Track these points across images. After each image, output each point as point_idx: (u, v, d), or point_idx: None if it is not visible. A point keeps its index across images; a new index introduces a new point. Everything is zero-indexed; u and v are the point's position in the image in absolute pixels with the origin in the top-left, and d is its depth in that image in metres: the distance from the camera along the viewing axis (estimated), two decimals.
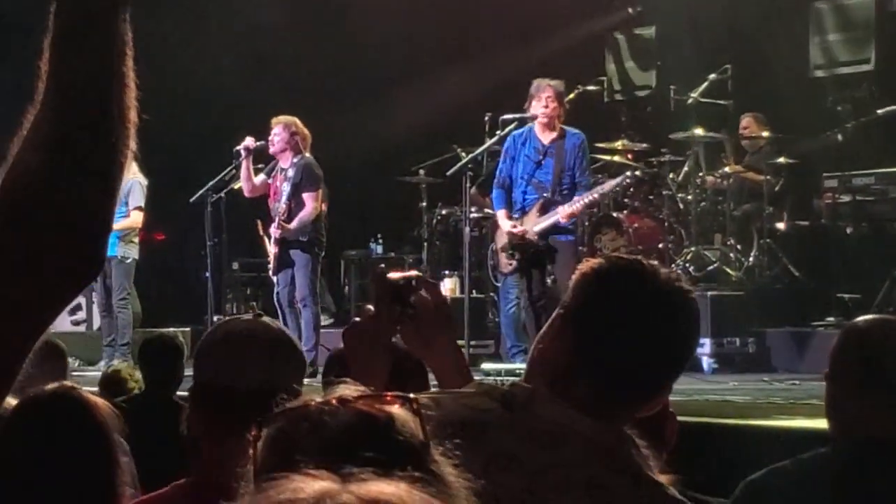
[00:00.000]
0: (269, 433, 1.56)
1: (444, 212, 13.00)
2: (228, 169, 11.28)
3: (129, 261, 11.64)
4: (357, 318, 2.73)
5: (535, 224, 9.92)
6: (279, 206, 10.81)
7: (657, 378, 2.38)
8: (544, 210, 9.94)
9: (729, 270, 11.39)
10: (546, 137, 9.99)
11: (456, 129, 12.72)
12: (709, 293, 10.65)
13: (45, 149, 1.60)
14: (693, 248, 11.39)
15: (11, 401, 3.13)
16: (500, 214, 10.16)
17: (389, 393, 1.54)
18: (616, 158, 11.86)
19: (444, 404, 2.21)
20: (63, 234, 1.60)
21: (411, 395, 1.52)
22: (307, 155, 10.87)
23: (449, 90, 14.06)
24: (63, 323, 13.40)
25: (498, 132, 10.35)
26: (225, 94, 14.48)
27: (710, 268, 11.36)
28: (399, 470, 1.36)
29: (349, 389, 1.58)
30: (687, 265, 11.19)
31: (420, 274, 2.74)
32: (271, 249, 10.95)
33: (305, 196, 10.79)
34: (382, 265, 2.95)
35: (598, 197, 10.39)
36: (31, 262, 1.58)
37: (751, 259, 11.55)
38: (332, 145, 12.41)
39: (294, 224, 10.71)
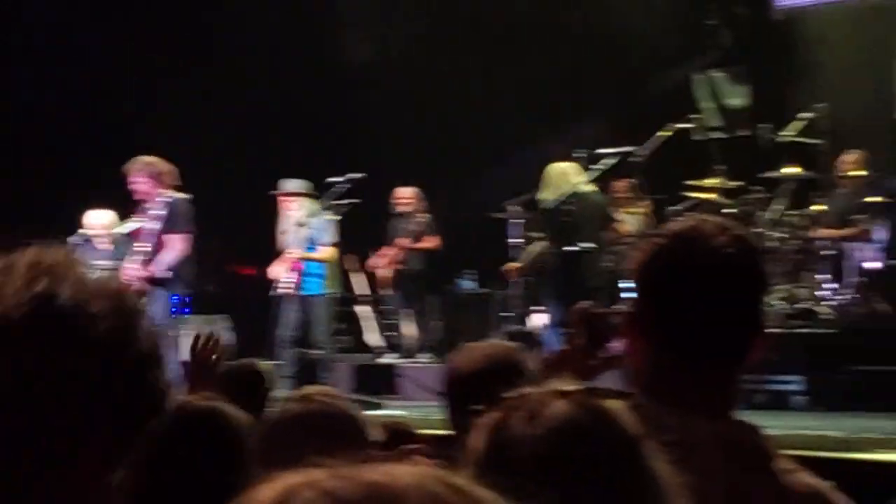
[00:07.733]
0: (486, 421, 1.61)
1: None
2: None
3: (334, 296, 11.96)
4: (563, 348, 2.71)
5: None
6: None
7: (742, 336, 2.33)
8: None
9: (821, 308, 11.36)
10: None
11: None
12: (801, 330, 10.62)
13: None
14: (785, 286, 11.35)
15: None
16: None
17: (605, 388, 1.59)
18: (708, 196, 11.87)
19: None
20: None
21: (628, 391, 1.57)
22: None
23: (543, 126, 14.12)
24: None
25: (591, 167, 10.41)
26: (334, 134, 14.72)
27: (803, 305, 11.32)
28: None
29: (563, 383, 1.61)
30: (779, 302, 11.16)
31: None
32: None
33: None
34: (586, 305, 2.91)
35: None
36: None
37: (844, 297, 11.48)
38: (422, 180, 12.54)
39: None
